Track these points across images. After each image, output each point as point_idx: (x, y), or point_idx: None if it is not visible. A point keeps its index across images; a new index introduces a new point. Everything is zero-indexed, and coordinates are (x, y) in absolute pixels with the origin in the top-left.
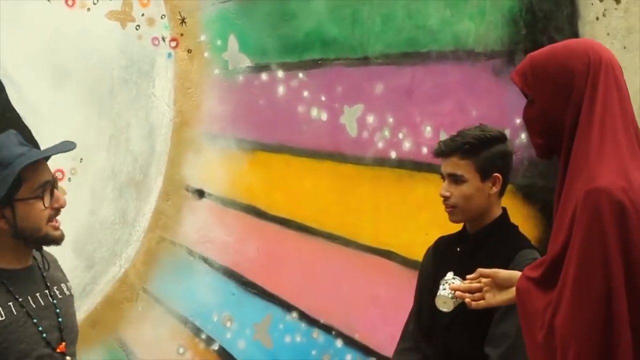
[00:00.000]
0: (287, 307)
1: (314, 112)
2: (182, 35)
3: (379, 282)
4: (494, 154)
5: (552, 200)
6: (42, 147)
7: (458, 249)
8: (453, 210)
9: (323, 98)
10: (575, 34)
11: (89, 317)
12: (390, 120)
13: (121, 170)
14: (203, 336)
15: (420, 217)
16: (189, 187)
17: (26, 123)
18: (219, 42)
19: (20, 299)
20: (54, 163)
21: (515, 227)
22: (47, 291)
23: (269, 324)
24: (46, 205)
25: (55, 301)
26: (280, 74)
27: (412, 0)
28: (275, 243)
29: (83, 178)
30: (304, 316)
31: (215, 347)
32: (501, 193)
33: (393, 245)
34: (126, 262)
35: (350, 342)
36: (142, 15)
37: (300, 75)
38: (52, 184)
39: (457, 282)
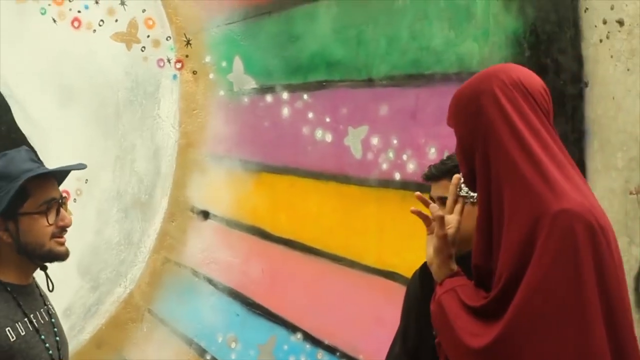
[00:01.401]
0: (292, 328)
1: (319, 133)
2: (187, 56)
3: (384, 303)
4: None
5: None
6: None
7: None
8: None
9: (328, 119)
10: (579, 56)
11: (94, 338)
12: (395, 141)
13: (126, 191)
14: (208, 357)
15: (424, 238)
16: (194, 208)
17: (32, 143)
18: (224, 64)
19: (32, 315)
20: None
21: None
22: (46, 307)
23: (274, 345)
24: (50, 222)
25: (53, 319)
26: (285, 95)
27: (416, 21)
28: (280, 264)
29: (88, 199)
30: (308, 337)
31: (208, 357)
32: None
33: (397, 266)
34: (131, 283)
35: None
36: (148, 36)
37: (305, 96)
38: (58, 202)
39: None
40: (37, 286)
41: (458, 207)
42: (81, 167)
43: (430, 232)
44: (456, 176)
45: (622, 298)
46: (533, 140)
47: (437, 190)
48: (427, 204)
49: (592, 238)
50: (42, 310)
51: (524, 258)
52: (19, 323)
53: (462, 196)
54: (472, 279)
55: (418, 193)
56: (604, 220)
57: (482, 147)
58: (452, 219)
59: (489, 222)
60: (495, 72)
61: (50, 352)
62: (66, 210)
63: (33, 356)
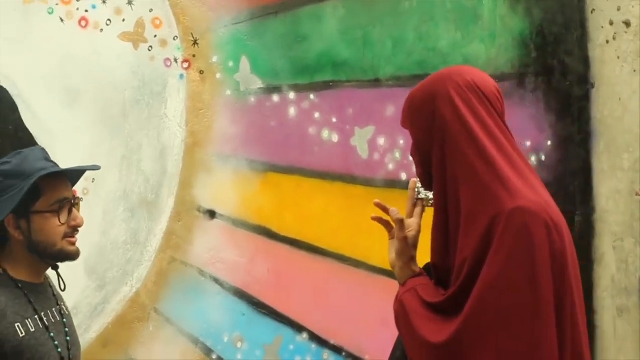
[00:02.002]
0: (298, 328)
1: (325, 133)
2: (194, 56)
3: (390, 304)
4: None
5: None
6: None
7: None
8: None
9: (334, 120)
10: (586, 57)
11: (101, 337)
12: (401, 142)
13: (133, 191)
14: (214, 356)
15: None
16: (200, 207)
17: (39, 143)
18: (230, 64)
19: (43, 313)
20: None
21: None
22: (58, 307)
23: (280, 345)
24: (62, 221)
25: (65, 319)
26: (291, 95)
27: (422, 22)
28: (286, 264)
29: (95, 198)
30: (314, 337)
31: (214, 356)
32: None
33: None
34: (137, 282)
35: None
36: (155, 36)
37: (312, 96)
38: (71, 202)
39: None
40: (51, 285)
41: (418, 210)
42: (95, 168)
43: (391, 236)
44: (413, 180)
45: (579, 295)
46: (487, 140)
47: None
48: (386, 210)
49: (547, 235)
50: (53, 309)
51: (480, 255)
52: (29, 320)
53: (421, 199)
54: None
55: (377, 200)
56: (558, 217)
57: (438, 148)
58: (412, 222)
59: (445, 221)
60: (450, 74)
61: (60, 350)
62: (79, 210)
63: (42, 353)
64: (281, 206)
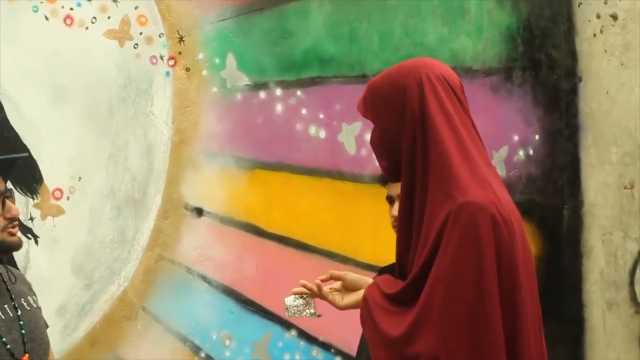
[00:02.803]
0: (286, 325)
1: (312, 129)
2: (180, 53)
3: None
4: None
5: (550, 216)
6: (41, 166)
7: None
8: None
9: (321, 116)
10: (573, 51)
11: (88, 336)
12: None
13: (120, 189)
14: (202, 354)
15: None
16: (187, 205)
17: (25, 142)
18: (217, 61)
19: None
20: (52, 182)
21: None
22: (13, 303)
23: (268, 342)
24: None
25: (19, 313)
26: (278, 92)
27: (409, 17)
28: (274, 261)
29: (82, 197)
30: (303, 334)
31: (202, 354)
32: None
33: (392, 262)
34: (125, 281)
35: None
36: (140, 33)
37: (299, 93)
38: (4, 195)
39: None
40: (4, 281)
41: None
42: (24, 156)
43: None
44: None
45: (528, 288)
46: (449, 136)
47: (396, 189)
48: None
49: (494, 229)
50: (6, 305)
51: (434, 249)
52: None
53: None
54: None
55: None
56: (508, 212)
57: (408, 140)
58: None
59: (410, 216)
60: (417, 67)
61: (9, 346)
62: (13, 202)
63: None
64: (269, 203)
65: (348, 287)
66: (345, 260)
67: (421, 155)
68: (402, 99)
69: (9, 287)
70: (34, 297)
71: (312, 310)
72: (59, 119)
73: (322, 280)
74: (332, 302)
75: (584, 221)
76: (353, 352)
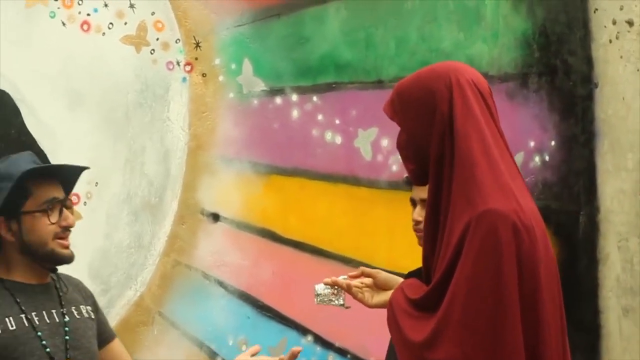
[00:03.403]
0: (302, 330)
1: (329, 135)
2: (196, 59)
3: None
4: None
5: (566, 223)
6: None
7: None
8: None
9: (337, 121)
10: (589, 57)
11: None
12: None
13: (136, 194)
14: (205, 348)
15: None
16: (204, 210)
17: (42, 147)
18: (233, 66)
19: (34, 313)
20: None
21: None
22: (62, 310)
23: (285, 347)
24: (52, 221)
25: (66, 319)
26: (294, 97)
27: (425, 23)
28: (290, 266)
29: (98, 202)
30: (319, 339)
31: None
32: None
33: (408, 268)
34: (142, 286)
35: None
36: (157, 39)
37: (315, 98)
38: (62, 203)
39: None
40: (57, 288)
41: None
42: (81, 168)
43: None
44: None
45: (551, 296)
46: (474, 142)
47: (420, 192)
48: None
49: (515, 236)
50: (53, 310)
51: (456, 256)
52: (11, 318)
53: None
54: None
55: (362, 269)
56: (530, 220)
57: (437, 145)
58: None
59: (436, 220)
60: (448, 70)
61: (48, 350)
62: (72, 213)
63: (24, 352)
64: (285, 208)
65: (379, 286)
66: (361, 265)
67: (449, 160)
68: (431, 103)
69: (60, 294)
70: (87, 307)
71: (341, 301)
72: (75, 124)
73: (353, 276)
74: (361, 300)
75: (600, 227)
76: (369, 358)
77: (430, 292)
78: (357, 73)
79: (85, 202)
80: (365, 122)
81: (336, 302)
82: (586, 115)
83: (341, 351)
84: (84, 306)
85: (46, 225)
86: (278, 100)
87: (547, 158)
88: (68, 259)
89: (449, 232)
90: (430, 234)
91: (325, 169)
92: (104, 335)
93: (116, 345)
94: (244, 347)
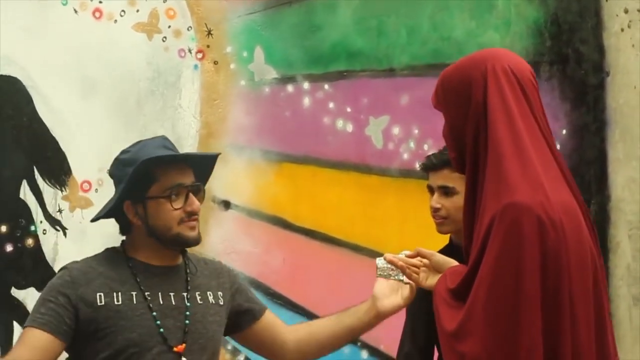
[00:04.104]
0: (313, 317)
1: (340, 123)
2: (208, 47)
3: None
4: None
5: None
6: (70, 158)
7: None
8: (444, 221)
9: (349, 109)
10: (600, 45)
11: None
12: (416, 131)
13: None
14: (229, 347)
15: None
16: (215, 198)
17: (54, 135)
18: (245, 54)
19: (148, 293)
20: (81, 174)
21: None
22: (184, 294)
23: None
24: (175, 207)
25: (189, 304)
26: (306, 85)
27: (437, 11)
28: (301, 254)
29: (110, 189)
30: None
31: (241, 358)
32: None
33: None
34: None
35: (376, 353)
36: (169, 27)
37: (326, 86)
38: (188, 189)
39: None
40: (189, 272)
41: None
42: (212, 154)
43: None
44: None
45: (583, 291)
46: (504, 132)
47: (437, 179)
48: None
49: (539, 231)
50: (170, 293)
51: (482, 249)
52: (120, 293)
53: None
54: None
55: (418, 249)
56: (558, 214)
57: (471, 133)
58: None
59: (472, 206)
60: (485, 59)
61: (162, 330)
62: (202, 198)
63: (120, 327)
64: (296, 196)
65: (434, 268)
66: (372, 253)
67: (483, 150)
68: (467, 92)
69: (188, 278)
70: (219, 292)
71: (400, 277)
72: (87, 111)
73: (410, 256)
74: (415, 281)
75: (610, 216)
76: (379, 345)
77: (462, 283)
78: (369, 61)
79: (96, 189)
80: (376, 110)
81: (397, 277)
82: (597, 104)
83: None
84: (212, 292)
85: (170, 211)
86: (289, 88)
87: (558, 147)
88: (194, 241)
89: (479, 223)
90: (468, 223)
91: (337, 157)
92: (254, 312)
93: (268, 315)
94: None
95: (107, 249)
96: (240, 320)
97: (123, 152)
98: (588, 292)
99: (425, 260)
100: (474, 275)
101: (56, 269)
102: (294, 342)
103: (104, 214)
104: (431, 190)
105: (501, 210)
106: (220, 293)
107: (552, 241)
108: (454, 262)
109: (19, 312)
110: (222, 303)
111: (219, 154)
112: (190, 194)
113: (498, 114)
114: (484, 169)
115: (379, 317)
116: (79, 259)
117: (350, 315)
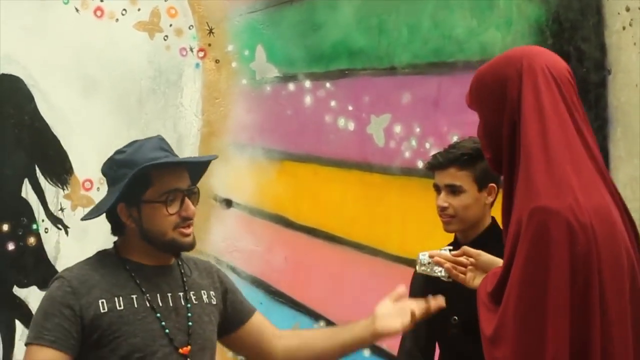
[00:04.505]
0: (315, 316)
1: (341, 121)
2: (209, 45)
3: (406, 292)
4: (488, 165)
5: None
6: (72, 157)
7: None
8: (451, 220)
9: (350, 108)
10: (602, 44)
11: None
12: (417, 129)
13: None
14: None
15: None
16: (217, 196)
17: (55, 133)
18: (246, 52)
19: (148, 295)
20: (83, 173)
21: None
22: (181, 294)
23: None
24: (171, 212)
25: (189, 305)
26: (307, 84)
27: (438, 10)
28: (302, 252)
29: None
30: (331, 325)
31: (243, 357)
32: (492, 203)
33: None
34: None
35: (378, 351)
36: (170, 25)
37: (328, 85)
38: (184, 193)
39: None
40: (182, 272)
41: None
42: (211, 158)
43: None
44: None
45: (617, 297)
46: (534, 133)
47: (444, 177)
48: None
49: (568, 236)
50: (168, 294)
51: (512, 253)
52: (121, 298)
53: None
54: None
55: (464, 249)
56: (588, 218)
57: (507, 133)
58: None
59: (509, 209)
60: (521, 56)
61: (167, 330)
62: (196, 202)
63: (125, 331)
64: (298, 195)
65: (481, 268)
66: (373, 252)
67: (518, 149)
68: (502, 91)
69: (185, 278)
70: (211, 292)
71: (443, 273)
72: (89, 110)
73: (456, 255)
74: (462, 281)
75: None
76: (381, 343)
77: (497, 286)
78: (370, 59)
79: (98, 188)
80: (378, 108)
81: (438, 273)
82: (599, 102)
83: None
84: (205, 291)
85: (165, 216)
86: (291, 86)
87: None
88: (188, 247)
89: (510, 225)
90: (505, 223)
91: (338, 156)
92: (243, 314)
93: (257, 318)
94: None
95: (98, 252)
96: (229, 322)
97: (118, 152)
98: (623, 294)
99: (471, 260)
100: (506, 279)
101: (58, 267)
102: (283, 350)
103: (98, 214)
104: (437, 189)
105: (528, 214)
106: (212, 293)
107: (582, 245)
108: (500, 262)
109: (21, 310)
110: (214, 303)
111: (216, 156)
112: (186, 199)
113: (530, 112)
114: (518, 169)
115: (375, 336)
116: (81, 258)
117: (346, 330)
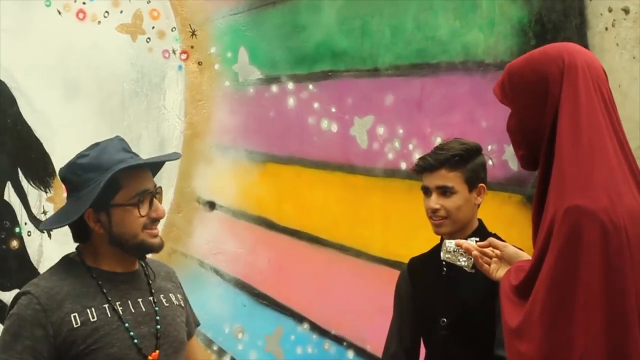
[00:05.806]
0: (299, 318)
1: (324, 123)
2: (192, 47)
3: (390, 293)
4: (477, 165)
5: None
6: (55, 161)
7: (444, 262)
8: (443, 222)
9: (333, 109)
10: (585, 45)
11: None
12: (401, 131)
13: None
14: (215, 347)
15: (430, 227)
16: (200, 199)
17: (38, 136)
18: (229, 54)
19: (118, 303)
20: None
21: (495, 235)
22: (150, 298)
23: (281, 336)
24: (142, 213)
25: (157, 308)
26: (290, 85)
27: (421, 11)
28: (286, 254)
29: None
30: (315, 327)
31: (227, 358)
32: (480, 204)
33: (403, 255)
34: None
35: (362, 353)
36: (153, 28)
37: (311, 86)
38: (152, 194)
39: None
40: (147, 275)
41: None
42: (176, 156)
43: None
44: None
45: None
46: (569, 132)
47: (435, 179)
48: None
49: (602, 237)
50: (139, 300)
51: (544, 248)
52: (92, 309)
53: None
54: None
55: (490, 240)
56: (622, 219)
57: (548, 129)
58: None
59: (541, 208)
60: (561, 53)
61: (136, 340)
62: (160, 201)
63: (103, 342)
64: (281, 197)
65: (506, 260)
66: (357, 253)
67: (554, 148)
68: (544, 87)
69: (150, 282)
70: (178, 295)
71: (465, 263)
72: (71, 112)
73: (482, 246)
74: (486, 272)
75: None
76: (365, 345)
77: (524, 280)
78: (353, 61)
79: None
80: (361, 110)
81: (463, 261)
82: None
83: (337, 339)
84: (173, 294)
85: (136, 218)
86: (274, 88)
87: None
88: (157, 248)
89: (543, 222)
90: (535, 220)
91: (321, 157)
92: (189, 328)
93: (192, 343)
94: (240, 336)
95: (63, 259)
96: None
97: (80, 155)
98: None
99: (497, 251)
100: (535, 275)
101: (41, 270)
102: None
103: (68, 222)
104: (427, 191)
105: (563, 213)
106: (179, 295)
107: (615, 248)
108: (525, 255)
109: (3, 314)
110: (182, 305)
111: (180, 155)
112: (154, 199)
113: (567, 111)
114: (552, 167)
115: None
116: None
117: None
